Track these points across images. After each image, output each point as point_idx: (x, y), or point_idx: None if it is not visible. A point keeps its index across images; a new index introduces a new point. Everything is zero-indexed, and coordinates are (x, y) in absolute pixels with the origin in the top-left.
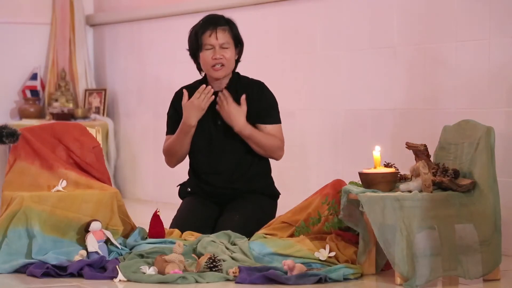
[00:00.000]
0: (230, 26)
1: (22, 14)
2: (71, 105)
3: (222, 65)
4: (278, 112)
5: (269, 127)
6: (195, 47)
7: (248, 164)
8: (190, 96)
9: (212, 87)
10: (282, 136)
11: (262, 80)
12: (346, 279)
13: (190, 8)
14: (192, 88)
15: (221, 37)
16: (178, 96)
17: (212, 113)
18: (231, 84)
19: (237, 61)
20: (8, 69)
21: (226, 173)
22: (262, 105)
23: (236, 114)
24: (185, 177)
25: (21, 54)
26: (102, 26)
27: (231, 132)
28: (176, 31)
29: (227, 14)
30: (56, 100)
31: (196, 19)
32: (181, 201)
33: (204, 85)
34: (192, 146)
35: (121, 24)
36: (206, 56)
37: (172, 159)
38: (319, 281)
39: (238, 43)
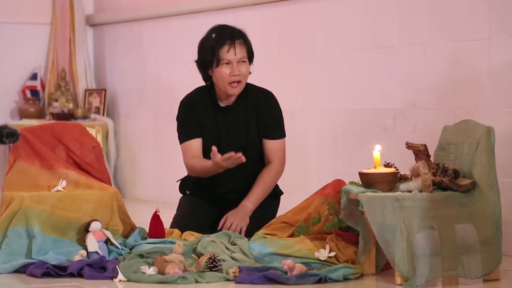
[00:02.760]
0: (244, 38)
1: (22, 14)
2: (71, 105)
3: (239, 82)
4: (283, 126)
5: (272, 143)
6: (210, 61)
7: (255, 176)
8: (194, 104)
9: (219, 100)
10: (283, 152)
11: (260, 79)
12: (346, 279)
13: (190, 8)
14: (196, 100)
15: (239, 51)
16: (188, 104)
17: (221, 129)
18: (240, 96)
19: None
20: (8, 69)
21: (234, 187)
22: (268, 119)
23: (245, 221)
24: (184, 175)
25: (21, 54)
26: (102, 26)
27: (240, 149)
28: (176, 31)
29: (227, 14)
30: (56, 100)
31: (196, 19)
32: (181, 196)
33: (239, 155)
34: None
35: (121, 24)
36: (223, 72)
37: (194, 174)
38: (319, 281)
39: (251, 56)
